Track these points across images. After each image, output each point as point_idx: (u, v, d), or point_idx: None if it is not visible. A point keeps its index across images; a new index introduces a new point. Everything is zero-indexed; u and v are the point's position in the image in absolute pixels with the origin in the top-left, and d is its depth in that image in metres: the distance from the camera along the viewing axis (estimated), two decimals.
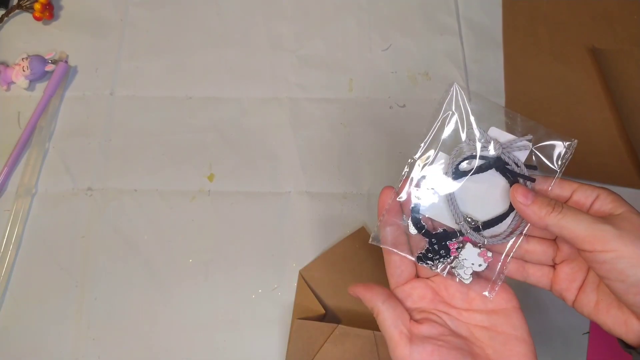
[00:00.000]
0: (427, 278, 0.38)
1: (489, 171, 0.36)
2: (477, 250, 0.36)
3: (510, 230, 0.36)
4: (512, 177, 0.35)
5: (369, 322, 0.48)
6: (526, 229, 0.36)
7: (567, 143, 0.35)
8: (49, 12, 0.62)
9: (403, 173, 0.37)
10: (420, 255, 0.36)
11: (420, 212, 0.37)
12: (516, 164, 0.35)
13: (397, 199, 0.37)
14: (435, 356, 0.33)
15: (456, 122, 0.36)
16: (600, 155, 0.58)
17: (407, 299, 0.37)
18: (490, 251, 0.36)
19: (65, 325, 0.52)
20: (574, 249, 0.34)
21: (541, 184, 0.35)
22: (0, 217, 0.54)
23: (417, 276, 0.38)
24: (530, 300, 0.52)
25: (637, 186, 0.56)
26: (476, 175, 0.36)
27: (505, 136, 0.35)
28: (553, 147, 0.35)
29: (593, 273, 0.34)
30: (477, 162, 0.36)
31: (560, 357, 0.51)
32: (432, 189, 0.36)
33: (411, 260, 0.37)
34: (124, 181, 0.57)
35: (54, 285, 0.53)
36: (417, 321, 0.35)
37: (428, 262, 0.36)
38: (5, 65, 0.60)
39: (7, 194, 0.56)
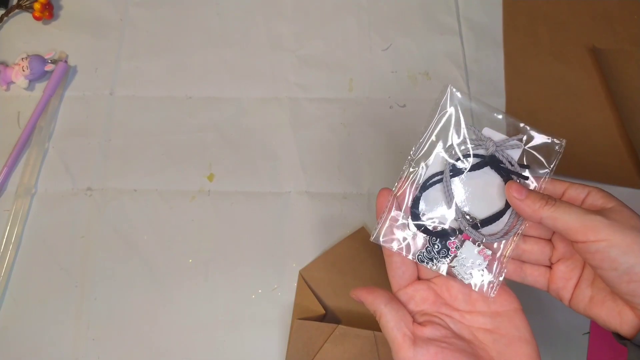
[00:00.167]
0: (429, 280, 0.38)
1: (485, 169, 0.37)
2: (477, 249, 0.36)
3: (507, 228, 0.36)
4: (506, 175, 0.36)
5: (369, 322, 0.49)
6: (522, 227, 0.36)
7: (557, 143, 0.37)
8: (49, 11, 0.62)
9: (401, 173, 0.37)
10: (421, 254, 0.37)
11: (419, 210, 0.37)
12: (510, 163, 0.36)
13: (396, 198, 0.37)
14: (439, 358, 0.33)
15: (451, 122, 0.37)
16: (600, 155, 0.58)
17: (410, 302, 0.37)
18: (489, 250, 0.36)
19: (65, 325, 0.52)
20: (569, 247, 0.35)
21: (534, 184, 0.36)
22: (0, 217, 0.54)
23: (419, 278, 0.38)
24: (531, 300, 0.52)
25: (637, 186, 0.56)
26: (472, 172, 0.37)
27: (498, 136, 0.37)
28: (544, 147, 0.36)
29: (588, 270, 0.35)
30: (472, 160, 0.37)
31: (560, 357, 0.51)
32: (431, 187, 0.37)
33: (412, 261, 0.37)
34: (123, 181, 0.57)
35: (54, 285, 0.53)
36: (420, 324, 0.35)
37: (428, 261, 0.37)
38: (5, 65, 0.60)
39: (7, 194, 0.56)
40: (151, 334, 0.52)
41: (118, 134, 0.59)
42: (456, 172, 0.37)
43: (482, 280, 0.36)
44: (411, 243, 0.37)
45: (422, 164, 0.37)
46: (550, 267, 0.37)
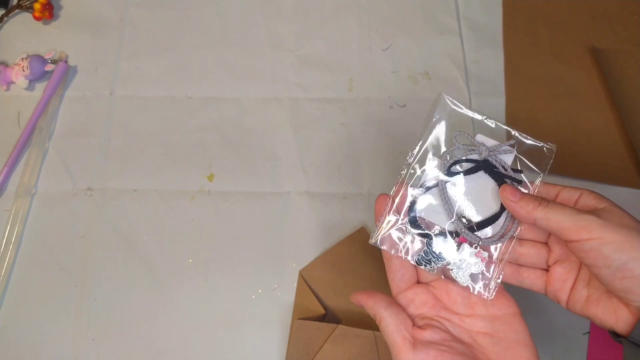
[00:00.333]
0: (428, 283, 0.38)
1: (479, 173, 0.38)
2: (473, 251, 0.37)
3: (503, 231, 0.37)
4: (500, 179, 0.37)
5: (369, 322, 0.48)
6: (518, 230, 0.37)
7: (548, 148, 0.37)
8: (49, 12, 0.62)
9: (398, 177, 0.38)
10: (419, 257, 0.37)
11: (417, 214, 0.38)
12: (503, 167, 0.37)
13: (393, 202, 0.38)
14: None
15: (446, 128, 0.38)
16: (600, 155, 0.58)
17: (410, 305, 0.37)
18: (486, 252, 0.37)
19: (65, 325, 0.52)
20: (565, 249, 0.36)
21: (527, 188, 0.37)
22: (0, 217, 0.54)
23: (418, 281, 0.39)
24: (530, 301, 0.52)
25: (637, 186, 0.56)
26: (468, 177, 0.38)
27: (490, 142, 0.38)
28: (535, 151, 0.38)
29: (584, 270, 0.36)
30: (466, 165, 0.38)
31: (560, 357, 0.51)
32: (427, 191, 0.38)
33: (411, 264, 0.37)
34: (123, 181, 0.57)
35: (54, 285, 0.53)
36: (419, 327, 0.35)
37: (426, 264, 0.37)
38: (5, 65, 0.60)
39: (7, 194, 0.56)
40: (151, 334, 0.52)
41: (118, 134, 0.59)
42: (451, 176, 0.38)
43: (480, 283, 0.37)
44: (409, 246, 0.38)
45: (419, 169, 0.38)
46: (547, 269, 0.37)
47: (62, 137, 0.58)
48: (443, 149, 0.38)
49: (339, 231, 0.55)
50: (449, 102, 0.38)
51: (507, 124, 0.38)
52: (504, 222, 0.37)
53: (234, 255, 0.54)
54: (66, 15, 0.64)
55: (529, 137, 0.37)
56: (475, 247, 0.37)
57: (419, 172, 0.38)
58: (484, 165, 0.37)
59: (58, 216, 0.55)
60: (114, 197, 0.56)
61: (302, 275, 0.53)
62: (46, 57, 0.60)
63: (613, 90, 0.60)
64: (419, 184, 0.38)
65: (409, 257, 0.37)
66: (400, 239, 0.38)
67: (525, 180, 0.37)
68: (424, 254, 0.37)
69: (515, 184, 0.37)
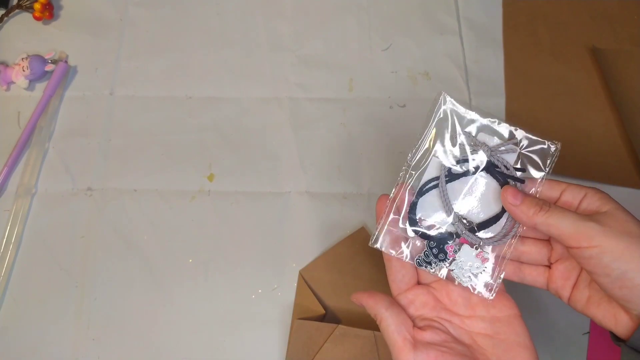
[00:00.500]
0: (429, 284, 0.38)
1: (481, 174, 0.37)
2: (474, 252, 0.37)
3: (504, 231, 0.37)
4: (502, 179, 0.37)
5: (369, 322, 0.48)
6: (519, 231, 0.37)
7: (553, 146, 0.37)
8: (49, 12, 0.62)
9: (398, 178, 0.38)
10: (419, 259, 0.37)
11: (417, 215, 0.37)
12: (505, 167, 0.37)
13: (394, 204, 0.37)
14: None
15: (447, 127, 0.38)
16: (600, 155, 0.58)
17: (410, 306, 0.37)
18: (487, 252, 0.37)
19: (65, 325, 0.52)
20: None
21: (530, 186, 0.36)
22: (0, 217, 0.54)
23: (419, 282, 0.38)
24: (531, 300, 0.52)
25: (637, 186, 0.56)
26: (468, 178, 0.37)
27: (493, 140, 0.37)
28: (539, 150, 0.37)
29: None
30: (468, 166, 0.37)
31: (560, 357, 0.51)
32: (427, 192, 0.38)
33: (412, 265, 0.37)
34: (123, 181, 0.57)
35: (54, 285, 0.53)
36: (420, 328, 0.35)
37: (427, 265, 0.37)
38: (5, 65, 0.60)
39: (7, 194, 0.56)
40: (151, 334, 0.52)
41: (118, 134, 0.59)
42: (452, 177, 0.37)
43: (481, 283, 0.37)
44: (410, 247, 0.38)
45: (419, 170, 0.38)
46: (549, 266, 0.37)
47: (62, 137, 0.58)
48: (443, 149, 0.38)
49: (339, 231, 0.55)
50: (450, 101, 0.38)
51: (510, 122, 0.37)
52: (506, 222, 0.37)
53: (234, 255, 0.54)
54: (66, 15, 0.64)
55: (533, 135, 0.37)
56: (476, 248, 0.37)
57: (419, 172, 0.38)
58: (486, 165, 0.37)
59: (58, 216, 0.55)
60: (114, 197, 0.56)
61: (302, 275, 0.53)
62: (46, 57, 0.60)
63: (613, 90, 0.60)
64: (419, 184, 0.38)
65: (409, 260, 0.37)
66: (400, 241, 0.37)
67: (531, 174, 0.36)
68: (425, 255, 0.37)
69: (518, 183, 0.36)
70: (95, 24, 0.63)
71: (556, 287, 0.36)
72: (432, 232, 0.37)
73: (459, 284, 0.37)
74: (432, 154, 0.38)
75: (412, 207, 0.37)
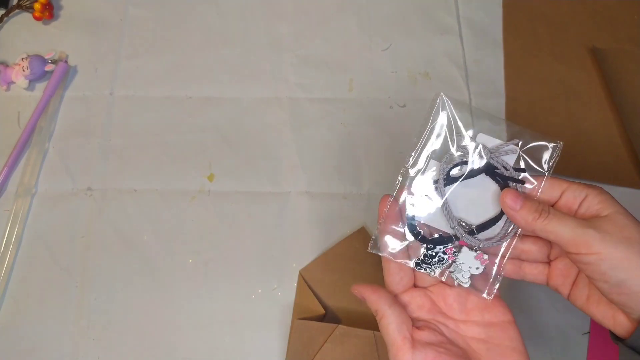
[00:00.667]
0: (425, 288, 0.38)
1: (480, 176, 0.37)
2: (474, 254, 0.36)
3: (503, 232, 0.37)
4: (502, 180, 0.36)
5: (369, 322, 0.48)
6: (518, 231, 0.36)
7: (553, 145, 0.36)
8: (49, 12, 0.62)
9: (397, 182, 0.38)
10: (418, 261, 0.37)
11: (416, 219, 0.37)
12: (505, 168, 0.36)
13: (393, 207, 0.37)
14: None
15: (445, 130, 0.37)
16: (600, 155, 0.58)
17: (406, 308, 0.37)
18: (486, 253, 0.36)
19: (65, 325, 0.52)
20: None
21: (531, 186, 0.36)
22: (0, 217, 0.54)
23: (415, 285, 0.38)
24: (531, 300, 0.52)
25: (637, 186, 0.56)
26: (467, 180, 0.37)
27: (493, 141, 0.37)
28: (540, 149, 0.36)
29: None
30: (467, 168, 0.37)
31: (560, 357, 0.51)
32: (426, 195, 0.37)
33: (409, 267, 0.37)
34: (123, 181, 0.57)
35: (54, 285, 0.53)
36: (417, 328, 0.35)
37: (426, 267, 0.37)
38: (5, 65, 0.60)
39: (7, 194, 0.56)
40: (151, 334, 0.52)
41: (118, 134, 0.59)
42: (450, 180, 0.37)
43: (481, 284, 0.36)
44: (409, 250, 0.37)
45: (418, 173, 0.37)
46: (548, 263, 0.37)
47: (62, 137, 0.58)
48: (442, 151, 0.37)
49: (339, 231, 0.55)
50: (447, 102, 0.37)
51: (509, 121, 0.37)
52: (505, 223, 0.36)
53: (234, 255, 0.54)
54: (66, 15, 0.64)
55: (533, 134, 0.36)
56: (476, 250, 0.36)
57: (418, 176, 0.37)
58: (485, 168, 0.36)
59: (58, 216, 0.55)
60: (114, 197, 0.56)
61: (302, 275, 0.53)
62: (46, 57, 0.60)
63: (613, 90, 0.60)
64: (418, 188, 0.37)
65: (409, 263, 0.37)
66: (398, 245, 0.37)
67: (530, 178, 0.36)
68: (424, 258, 0.37)
69: (518, 185, 0.36)
70: (95, 24, 0.63)
71: (556, 284, 0.36)
72: (431, 235, 0.37)
73: (459, 285, 0.37)
74: (430, 157, 0.37)
75: (411, 210, 0.37)
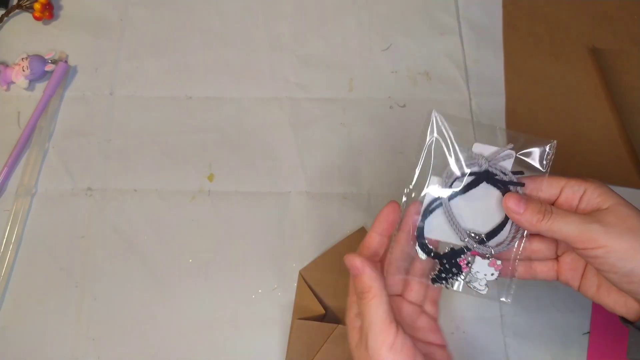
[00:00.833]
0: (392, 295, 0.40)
1: (481, 185, 0.38)
2: (487, 261, 0.37)
3: (512, 235, 0.37)
4: (502, 186, 0.37)
5: None
6: (526, 231, 0.37)
7: (548, 144, 0.37)
8: (49, 12, 0.62)
9: (401, 204, 0.38)
10: (434, 276, 0.38)
11: (425, 236, 0.38)
12: (504, 173, 0.37)
13: (403, 229, 0.38)
14: (415, 352, 0.34)
15: (441, 146, 0.38)
16: (600, 155, 0.58)
17: None
18: (499, 259, 0.37)
19: (65, 325, 0.51)
20: None
21: (531, 185, 0.37)
22: (0, 217, 0.54)
23: (401, 296, 0.41)
24: (531, 300, 0.52)
25: (637, 186, 0.56)
26: (470, 191, 0.38)
27: (489, 149, 0.38)
28: (536, 150, 0.37)
29: None
30: (467, 179, 0.38)
31: (560, 357, 0.51)
32: (432, 212, 0.38)
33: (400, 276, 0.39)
34: (123, 181, 0.57)
35: (54, 285, 0.53)
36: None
37: (442, 282, 0.38)
38: (5, 65, 0.60)
39: (7, 194, 0.56)
40: (151, 334, 0.52)
41: (118, 134, 0.59)
42: (454, 194, 0.38)
43: (498, 289, 0.38)
44: (417, 269, 0.39)
45: (421, 193, 0.38)
46: (557, 259, 0.38)
47: (62, 137, 0.58)
48: (442, 167, 0.38)
49: (339, 231, 0.55)
50: (440, 119, 0.38)
51: (501, 128, 0.38)
52: (511, 226, 0.37)
53: (234, 255, 0.54)
54: (66, 15, 0.64)
55: (527, 137, 0.37)
56: (489, 258, 0.37)
57: (421, 196, 0.38)
58: (485, 176, 0.37)
59: (58, 216, 0.55)
60: (114, 197, 0.56)
61: (302, 275, 0.53)
62: (46, 57, 0.60)
63: (613, 90, 0.60)
64: (423, 206, 0.38)
65: (423, 279, 0.39)
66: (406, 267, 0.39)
67: (527, 181, 0.37)
68: (439, 272, 0.38)
69: (519, 187, 0.37)
70: (95, 24, 0.63)
71: (566, 279, 0.38)
72: (443, 251, 0.38)
73: (477, 294, 0.37)
74: (430, 175, 0.38)
75: (420, 232, 0.38)
